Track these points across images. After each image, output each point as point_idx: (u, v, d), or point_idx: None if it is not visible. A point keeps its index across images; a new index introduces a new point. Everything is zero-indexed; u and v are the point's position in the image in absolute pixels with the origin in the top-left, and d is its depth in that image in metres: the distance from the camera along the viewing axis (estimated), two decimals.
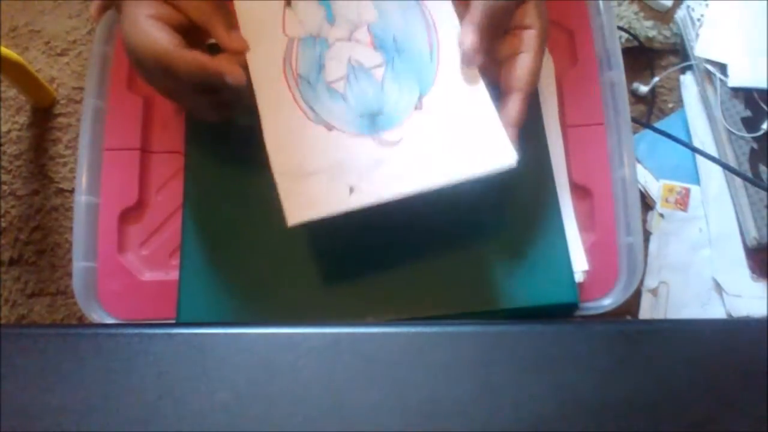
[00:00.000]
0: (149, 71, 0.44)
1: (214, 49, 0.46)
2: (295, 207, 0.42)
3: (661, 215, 0.76)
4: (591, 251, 0.49)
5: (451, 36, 0.46)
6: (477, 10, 0.44)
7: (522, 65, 0.45)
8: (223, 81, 0.43)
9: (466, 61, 0.45)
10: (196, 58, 0.43)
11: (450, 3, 0.47)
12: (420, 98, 0.45)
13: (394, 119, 0.45)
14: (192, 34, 0.45)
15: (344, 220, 0.43)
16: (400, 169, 0.43)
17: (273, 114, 0.45)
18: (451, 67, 0.45)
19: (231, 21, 0.46)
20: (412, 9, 0.47)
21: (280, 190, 0.42)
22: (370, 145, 0.44)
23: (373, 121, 0.45)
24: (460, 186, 0.43)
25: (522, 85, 0.45)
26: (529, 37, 0.45)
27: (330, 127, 0.45)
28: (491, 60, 0.46)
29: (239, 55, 0.46)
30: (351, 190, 0.42)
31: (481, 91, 0.44)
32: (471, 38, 0.44)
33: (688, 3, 0.81)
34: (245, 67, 0.45)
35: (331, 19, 0.47)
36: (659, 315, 0.72)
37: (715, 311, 0.73)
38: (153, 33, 0.43)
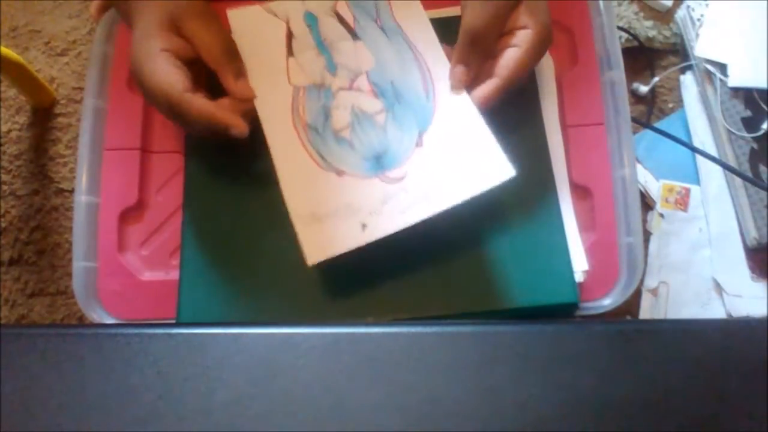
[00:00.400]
0: (156, 103, 0.45)
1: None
2: (314, 248, 0.45)
3: (661, 215, 0.76)
4: (591, 251, 0.49)
5: (444, 75, 0.49)
6: (459, 45, 0.47)
7: (507, 56, 0.46)
8: (228, 132, 0.45)
9: (457, 89, 0.48)
10: (204, 108, 0.44)
11: (438, 42, 0.50)
12: (420, 135, 0.48)
13: (398, 158, 0.47)
14: (198, 63, 0.47)
15: None
16: (406, 202, 0.46)
17: (285, 161, 0.47)
18: (447, 103, 0.48)
19: (240, 68, 0.48)
20: (405, 54, 0.50)
21: (298, 233, 0.45)
22: (378, 184, 0.47)
23: (379, 162, 0.47)
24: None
25: (502, 72, 0.46)
26: (523, 35, 0.46)
27: (340, 173, 0.47)
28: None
29: (246, 102, 0.47)
30: (363, 227, 0.45)
31: (473, 115, 0.47)
32: (457, 75, 0.47)
33: (688, 3, 0.81)
34: (251, 113, 0.47)
35: (332, 68, 0.50)
36: (659, 315, 0.72)
37: (715, 311, 0.73)
38: (167, 73, 0.44)
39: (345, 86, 0.49)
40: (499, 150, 0.46)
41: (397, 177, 0.47)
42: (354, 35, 0.51)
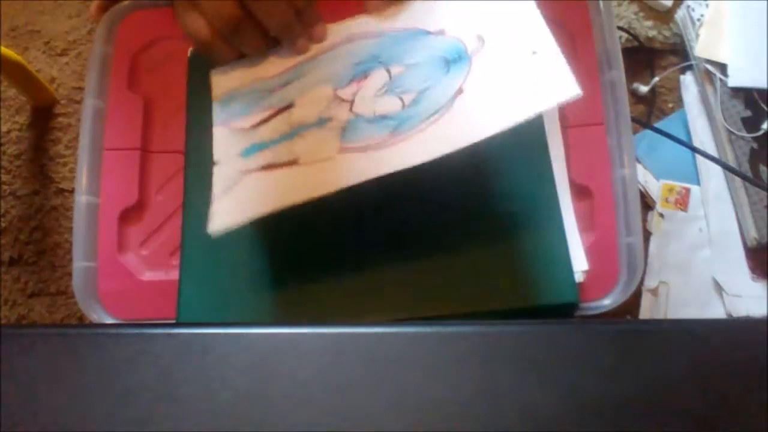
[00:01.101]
0: None
1: None
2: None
3: (661, 215, 0.75)
4: (591, 251, 0.49)
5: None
6: None
7: None
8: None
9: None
10: None
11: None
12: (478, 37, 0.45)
13: (464, 63, 0.44)
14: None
15: (344, 219, 0.43)
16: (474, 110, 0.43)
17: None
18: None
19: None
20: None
21: None
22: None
23: (449, 67, 0.44)
24: (462, 182, 0.44)
25: None
26: None
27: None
28: None
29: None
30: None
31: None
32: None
33: (688, 3, 0.81)
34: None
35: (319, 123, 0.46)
36: (659, 315, 0.72)
37: (715, 311, 0.73)
38: None
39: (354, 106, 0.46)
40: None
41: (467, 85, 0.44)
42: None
